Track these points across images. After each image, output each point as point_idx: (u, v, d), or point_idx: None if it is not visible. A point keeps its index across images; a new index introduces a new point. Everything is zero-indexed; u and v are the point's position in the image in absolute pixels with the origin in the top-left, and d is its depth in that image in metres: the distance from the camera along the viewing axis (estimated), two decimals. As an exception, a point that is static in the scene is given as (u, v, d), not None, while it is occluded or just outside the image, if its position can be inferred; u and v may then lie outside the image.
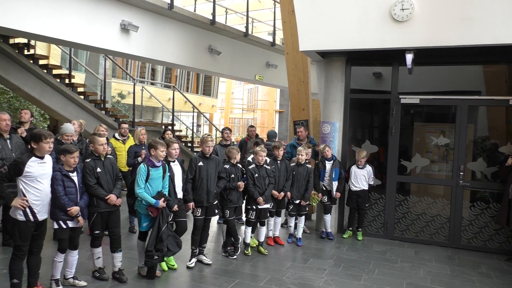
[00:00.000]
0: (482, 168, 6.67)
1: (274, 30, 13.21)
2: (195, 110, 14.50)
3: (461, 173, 6.51)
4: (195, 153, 12.71)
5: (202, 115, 17.75)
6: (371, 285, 4.79)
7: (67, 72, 10.08)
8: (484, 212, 6.47)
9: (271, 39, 12.93)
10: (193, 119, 14.81)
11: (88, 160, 4.48)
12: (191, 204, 5.08)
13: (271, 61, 12.72)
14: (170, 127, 12.38)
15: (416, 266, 5.55)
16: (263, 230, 5.94)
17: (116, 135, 7.26)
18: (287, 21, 8.53)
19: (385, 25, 6.08)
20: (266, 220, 5.97)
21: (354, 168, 6.77)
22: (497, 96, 6.81)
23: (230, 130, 7.98)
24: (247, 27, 11.54)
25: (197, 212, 5.14)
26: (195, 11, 11.92)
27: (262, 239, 5.96)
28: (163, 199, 4.52)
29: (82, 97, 9.99)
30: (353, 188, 6.76)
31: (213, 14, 10.30)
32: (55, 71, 9.70)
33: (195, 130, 17.10)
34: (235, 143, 7.96)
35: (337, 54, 6.93)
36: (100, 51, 9.65)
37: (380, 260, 5.74)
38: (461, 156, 6.56)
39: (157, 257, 4.52)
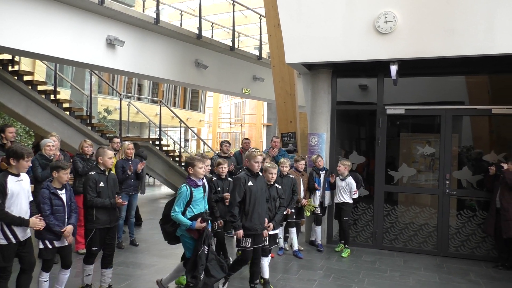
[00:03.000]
0: (467, 176, 6.76)
1: (260, 44, 13.34)
2: (183, 125, 14.47)
3: (447, 182, 6.59)
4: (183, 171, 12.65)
5: (189, 129, 17.71)
6: (361, 295, 4.78)
7: (52, 88, 9.99)
8: (471, 220, 6.54)
9: (257, 53, 13.05)
10: (180, 134, 14.75)
11: (92, 173, 4.35)
12: (240, 233, 4.37)
13: (257, 75, 12.82)
14: (157, 142, 12.32)
15: (405, 275, 5.55)
16: (265, 264, 4.83)
17: None
18: (273, 34, 8.64)
19: (369, 37, 6.19)
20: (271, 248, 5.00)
21: (337, 180, 6.70)
22: (480, 105, 6.95)
23: (229, 143, 7.97)
24: (233, 41, 11.64)
25: (247, 243, 4.40)
26: (181, 25, 12.00)
27: (267, 275, 4.86)
28: (199, 219, 4.07)
29: (67, 113, 9.90)
30: (335, 200, 6.72)
31: (199, 29, 10.38)
32: (40, 87, 9.61)
33: (182, 145, 17.03)
34: (231, 156, 7.92)
35: (323, 66, 7.02)
36: (85, 67, 9.62)
37: (370, 270, 5.73)
38: (447, 165, 6.65)
39: (192, 284, 4.02)
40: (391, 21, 6.03)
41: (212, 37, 12.61)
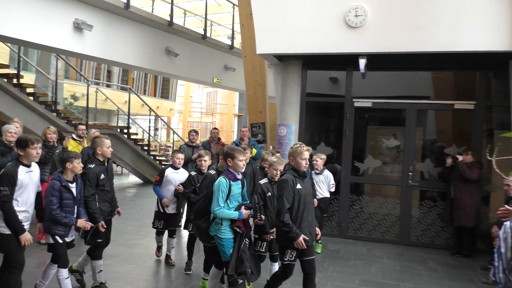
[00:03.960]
0: (429, 168, 7.02)
1: (233, 33, 13.27)
2: (152, 113, 14.26)
3: (410, 174, 6.81)
4: (156, 160, 12.51)
5: (159, 118, 17.47)
6: (325, 283, 4.90)
7: (15, 71, 9.62)
8: (431, 210, 6.80)
9: (229, 42, 12.99)
10: (149, 122, 14.54)
11: (92, 166, 4.09)
12: (301, 241, 3.57)
13: (229, 64, 12.77)
14: (125, 130, 12.10)
15: (368, 263, 5.74)
16: (275, 269, 4.41)
17: (74, 136, 7.05)
18: (245, 24, 8.61)
19: (339, 31, 6.28)
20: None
21: (312, 174, 6.31)
22: (443, 101, 7.19)
23: (196, 132, 7.93)
24: (205, 30, 11.54)
25: (291, 256, 3.70)
26: (152, 12, 11.78)
27: None
28: (243, 207, 3.76)
29: (31, 98, 9.56)
30: None
31: (171, 16, 10.22)
32: (2, 71, 9.25)
33: (152, 134, 16.79)
34: (200, 146, 7.87)
35: (293, 57, 7.07)
36: (51, 51, 9.30)
37: (334, 259, 5.89)
38: (410, 157, 6.87)
39: (241, 281, 3.76)
40: (361, 15, 6.13)
41: (184, 24, 12.42)
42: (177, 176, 5.28)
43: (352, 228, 7.14)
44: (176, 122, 32.88)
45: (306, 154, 3.72)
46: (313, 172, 6.27)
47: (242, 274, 3.74)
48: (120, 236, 6.52)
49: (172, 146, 15.70)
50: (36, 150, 3.56)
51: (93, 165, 4.12)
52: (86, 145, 6.64)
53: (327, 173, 6.31)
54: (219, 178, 3.77)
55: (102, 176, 4.15)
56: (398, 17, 6.03)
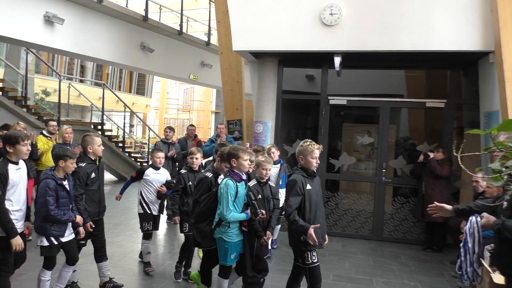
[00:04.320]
0: (402, 165, 7.16)
1: (209, 30, 13.19)
2: (127, 109, 14.02)
3: (384, 170, 6.94)
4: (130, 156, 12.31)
5: (135, 115, 17.21)
6: (300, 279, 4.94)
7: (-18, 65, 9.30)
8: (403, 206, 6.95)
9: (206, 39, 12.90)
10: (124, 119, 14.29)
11: (82, 165, 3.95)
12: (311, 233, 3.33)
13: (206, 61, 12.69)
14: (99, 127, 11.86)
15: (342, 259, 5.82)
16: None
17: (45, 132, 6.85)
18: (221, 20, 8.56)
19: (315, 29, 6.32)
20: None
21: None
22: (415, 99, 7.34)
23: (172, 129, 7.84)
24: (181, 25, 11.42)
25: (313, 257, 3.49)
26: (127, 6, 11.56)
27: None
28: (249, 209, 3.66)
29: (0, 93, 9.26)
30: None
31: (146, 10, 10.07)
32: (-32, 64, 8.91)
33: (127, 131, 16.52)
34: (176, 143, 7.79)
35: (269, 55, 7.08)
36: (21, 44, 9.01)
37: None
38: (384, 154, 7.00)
39: (263, 279, 3.71)
40: (336, 13, 6.19)
41: (159, 20, 12.26)
42: (158, 177, 5.00)
43: (327, 225, 7.21)
44: (152, 118, 32.45)
45: (317, 153, 3.52)
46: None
47: (262, 271, 3.70)
48: (93, 235, 6.39)
49: (148, 143, 15.49)
50: (27, 147, 3.42)
51: (84, 163, 3.99)
52: (58, 141, 6.49)
53: None
54: (225, 180, 3.57)
55: (93, 175, 4.04)
56: (372, 16, 6.11)
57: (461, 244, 3.49)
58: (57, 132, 6.77)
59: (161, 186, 4.94)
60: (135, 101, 26.47)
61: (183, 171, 4.79)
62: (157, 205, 5.02)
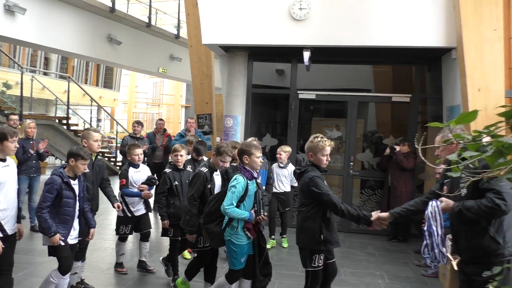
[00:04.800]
0: (369, 158, 7.33)
1: (179, 22, 13.01)
2: (94, 103, 13.66)
3: (351, 164, 7.08)
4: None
5: (102, 109, 16.80)
6: (270, 271, 4.98)
7: None
8: (370, 199, 7.13)
9: (175, 32, 12.71)
10: (91, 113, 13.92)
11: None
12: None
13: (175, 54, 12.53)
14: (64, 121, 11.51)
15: (311, 251, 5.91)
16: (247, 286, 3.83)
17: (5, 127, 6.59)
18: (190, 13, 8.45)
19: (284, 23, 6.34)
20: None
21: (275, 168, 6.09)
22: (382, 93, 7.51)
23: (140, 123, 7.70)
24: (149, 17, 11.22)
25: (320, 261, 3.33)
26: (93, -3, 11.22)
27: None
28: (253, 210, 3.50)
29: (-43, 85, 8.84)
30: (274, 190, 5.93)
31: (113, 2, 9.82)
32: None
33: (94, 125, 16.11)
34: (145, 138, 7.66)
35: (239, 48, 7.06)
36: (-21, 34, 8.61)
37: (279, 248, 6.01)
38: (352, 148, 7.13)
39: (268, 282, 3.64)
40: (305, 8, 6.23)
41: (127, 11, 11.97)
42: (140, 176, 4.67)
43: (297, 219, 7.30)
44: (120, 113, 31.76)
45: (328, 150, 3.33)
46: (275, 165, 6.10)
47: (268, 275, 3.61)
48: (58, 232, 6.23)
49: (116, 137, 15.17)
50: (15, 144, 3.28)
51: None
52: (21, 137, 6.26)
53: (291, 166, 6.13)
54: (237, 176, 3.44)
55: (86, 170, 3.84)
56: (340, 12, 6.19)
57: (425, 228, 3.62)
58: (19, 126, 6.53)
59: (140, 186, 4.63)
60: (103, 94, 25.80)
61: (167, 170, 4.47)
62: (141, 205, 4.71)
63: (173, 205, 4.42)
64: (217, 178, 4.05)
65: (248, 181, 3.45)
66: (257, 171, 3.62)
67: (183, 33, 13.09)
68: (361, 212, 3.28)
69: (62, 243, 3.45)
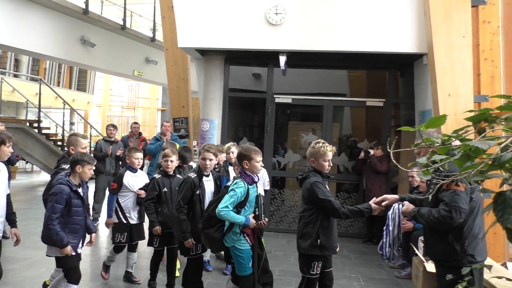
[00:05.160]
0: (344, 162, 7.43)
1: (154, 25, 12.88)
2: (67, 106, 13.34)
3: (308, 168, 7.12)
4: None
5: (75, 112, 16.44)
6: (246, 276, 4.97)
7: None
8: (346, 202, 7.22)
9: (151, 34, 12.58)
10: (63, 116, 13.58)
11: (66, 167, 3.66)
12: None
13: (151, 57, 12.40)
14: (36, 124, 11.20)
15: (288, 254, 5.94)
16: None
17: None
18: (166, 16, 8.40)
19: (261, 27, 6.37)
20: None
21: None
22: (357, 98, 7.64)
23: (114, 127, 7.56)
24: (124, 20, 11.07)
25: (318, 268, 3.34)
26: (65, -2, 10.99)
27: None
28: (252, 215, 3.44)
29: None
30: None
31: (86, 3, 9.63)
32: None
33: (67, 129, 15.74)
34: (119, 141, 7.52)
35: (216, 52, 7.04)
36: None
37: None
38: (307, 153, 7.18)
39: None
40: (281, 13, 6.28)
41: (101, 13, 11.78)
42: (137, 180, 4.49)
43: (273, 221, 7.33)
44: (94, 116, 31.14)
45: (330, 155, 3.35)
46: None
47: (267, 285, 3.54)
48: (28, 238, 6.04)
49: (90, 141, 14.86)
50: (9, 149, 3.19)
51: (67, 165, 3.68)
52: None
53: (263, 170, 6.02)
54: (238, 180, 3.38)
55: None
56: (316, 17, 6.27)
57: (384, 227, 3.76)
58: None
59: (139, 190, 4.44)
60: (76, 97, 25.23)
61: (156, 175, 4.26)
62: (136, 212, 4.48)
63: (161, 213, 4.20)
64: (208, 183, 3.90)
65: (249, 186, 3.42)
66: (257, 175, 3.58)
67: (159, 36, 12.97)
68: (361, 206, 3.31)
69: (73, 253, 3.38)
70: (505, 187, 1.27)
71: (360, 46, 6.18)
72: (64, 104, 13.07)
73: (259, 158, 3.45)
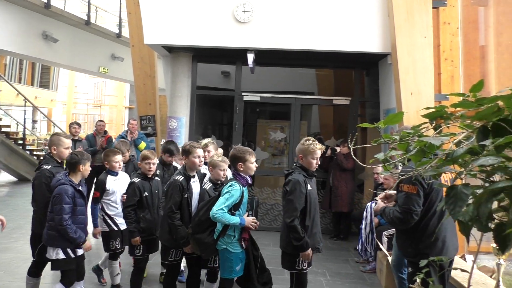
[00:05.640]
0: (312, 159, 7.51)
1: (120, 21, 12.61)
2: (29, 104, 12.86)
3: (295, 164, 7.20)
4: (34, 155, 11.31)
5: (37, 110, 15.86)
6: (214, 274, 4.95)
7: None
8: (314, 199, 7.30)
9: (117, 30, 12.31)
10: (25, 114, 13.08)
11: (48, 167, 3.52)
12: (309, 253, 3.27)
13: (117, 53, 12.12)
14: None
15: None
16: None
17: None
18: (132, 12, 8.23)
19: (228, 25, 6.35)
20: None
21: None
22: (324, 96, 7.75)
23: (78, 124, 7.34)
24: (89, 15, 10.77)
25: (304, 264, 3.33)
26: (26, -9, 10.57)
27: None
28: (246, 214, 3.41)
29: None
30: None
31: (48, -3, 9.31)
32: None
33: (29, 127, 15.19)
34: (83, 140, 7.31)
35: (183, 49, 6.97)
36: None
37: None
38: (295, 149, 7.27)
39: None
40: (249, 11, 6.27)
41: (64, 8, 11.40)
42: (119, 184, 4.22)
43: (242, 219, 7.32)
44: (59, 114, 30.16)
45: (319, 153, 3.35)
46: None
47: (267, 284, 3.47)
48: (-14, 242, 5.80)
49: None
50: None
51: (49, 166, 3.55)
52: None
53: (228, 170, 6.14)
54: (233, 183, 3.31)
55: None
56: (283, 15, 6.30)
57: (360, 226, 3.90)
58: None
59: (123, 195, 4.19)
60: (39, 95, 24.36)
61: (135, 179, 3.94)
62: (122, 218, 4.20)
63: (143, 219, 3.90)
64: (195, 185, 3.73)
65: (243, 188, 3.37)
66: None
67: (126, 32, 12.70)
68: (303, 241, 3.20)
69: (73, 255, 3.35)
70: (458, 182, 1.32)
71: (327, 45, 6.26)
72: (26, 102, 12.60)
73: (253, 159, 3.42)
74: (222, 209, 3.18)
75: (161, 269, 4.64)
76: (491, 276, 3.84)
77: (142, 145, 7.04)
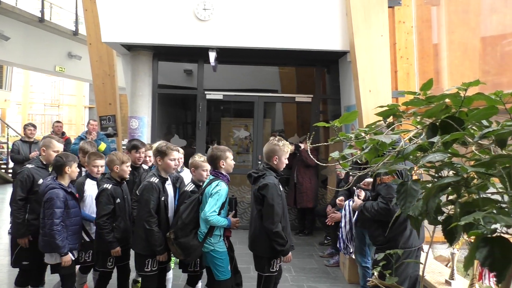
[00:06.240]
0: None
1: (77, 18, 12.20)
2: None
3: (259, 162, 7.25)
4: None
5: (-10, 110, 15.10)
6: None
7: None
8: (278, 196, 7.37)
9: (74, 28, 11.90)
10: (-24, 115, 12.43)
11: (30, 167, 3.52)
12: (290, 256, 3.36)
13: (74, 52, 11.73)
14: None
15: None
16: None
17: None
18: (89, 9, 7.97)
19: (189, 23, 6.27)
20: None
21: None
22: (287, 94, 7.82)
23: (34, 126, 7.04)
24: (42, 12, 10.35)
25: (277, 265, 3.39)
26: (-27, -14, 10.02)
27: None
28: (231, 213, 3.40)
29: None
30: None
31: (-2, -7, 8.87)
32: None
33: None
34: (39, 141, 7.01)
35: (143, 48, 6.83)
36: None
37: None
38: (259, 147, 7.30)
39: None
40: (209, 8, 6.22)
41: (16, 4, 10.90)
42: (96, 190, 3.81)
43: (207, 218, 7.28)
44: (14, 114, 28.82)
45: (286, 155, 3.35)
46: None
47: (239, 285, 3.54)
48: None
49: (7, 142, 13.74)
50: None
51: (32, 166, 3.47)
52: None
53: (186, 171, 6.04)
54: (219, 182, 3.24)
55: (40, 181, 3.48)
56: (244, 13, 6.29)
57: (340, 224, 4.09)
58: None
59: None
60: (-9, 95, 23.21)
61: (107, 186, 3.55)
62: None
63: (118, 229, 3.56)
64: (169, 187, 3.56)
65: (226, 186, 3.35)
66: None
67: (83, 30, 12.30)
68: (288, 245, 3.25)
69: (73, 258, 3.38)
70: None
71: (288, 43, 6.32)
72: (-24, 103, 11.96)
73: (231, 155, 3.45)
74: (214, 210, 3.16)
75: (136, 276, 4.29)
76: (446, 265, 4.01)
77: (102, 146, 6.84)
